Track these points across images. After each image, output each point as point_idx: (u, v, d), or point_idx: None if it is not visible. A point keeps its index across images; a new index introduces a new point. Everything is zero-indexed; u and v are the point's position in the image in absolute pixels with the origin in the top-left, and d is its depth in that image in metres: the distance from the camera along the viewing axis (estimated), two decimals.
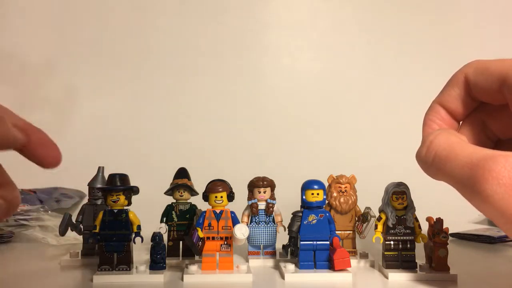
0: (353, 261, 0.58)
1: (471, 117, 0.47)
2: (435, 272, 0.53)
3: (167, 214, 0.62)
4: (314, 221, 0.56)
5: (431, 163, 0.41)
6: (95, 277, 0.52)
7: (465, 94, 0.46)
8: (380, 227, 0.56)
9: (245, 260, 0.62)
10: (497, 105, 0.45)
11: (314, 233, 0.56)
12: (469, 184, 0.37)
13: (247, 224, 0.61)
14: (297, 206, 0.58)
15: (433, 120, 0.47)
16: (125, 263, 0.54)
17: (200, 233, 0.55)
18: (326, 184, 0.60)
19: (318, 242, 0.56)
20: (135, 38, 1.21)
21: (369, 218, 0.60)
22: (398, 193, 0.55)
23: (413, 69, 1.21)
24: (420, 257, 0.56)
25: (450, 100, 0.46)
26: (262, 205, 0.62)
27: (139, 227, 0.55)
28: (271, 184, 0.62)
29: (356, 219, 0.62)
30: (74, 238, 0.69)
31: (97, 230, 0.54)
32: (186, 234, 0.60)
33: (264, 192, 0.62)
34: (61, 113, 1.16)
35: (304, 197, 0.56)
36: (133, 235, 0.55)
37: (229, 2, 1.24)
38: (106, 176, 0.56)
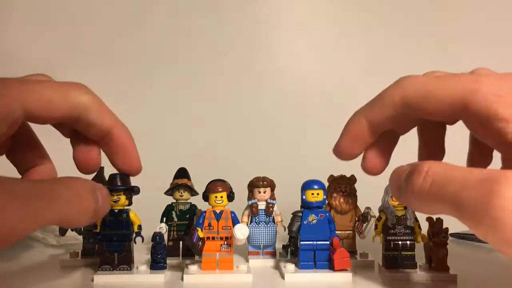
0: (353, 261, 0.58)
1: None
2: (435, 272, 0.53)
3: (167, 214, 0.62)
4: (314, 221, 0.56)
5: (428, 190, 0.38)
6: (96, 276, 0.52)
7: (402, 115, 0.45)
8: (380, 227, 0.56)
9: (245, 260, 0.62)
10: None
11: (314, 233, 0.56)
12: (478, 206, 0.34)
13: (247, 224, 0.61)
14: (297, 206, 0.58)
15: (357, 134, 0.49)
16: (125, 263, 0.54)
17: (200, 233, 0.55)
18: (326, 184, 0.60)
19: (318, 242, 0.56)
20: (134, 38, 1.21)
21: (369, 218, 0.60)
22: None
23: (413, 69, 1.21)
24: (420, 257, 0.56)
25: (380, 119, 0.47)
26: (262, 205, 0.62)
27: (139, 227, 0.55)
28: (271, 184, 0.62)
29: (356, 219, 0.62)
30: (74, 238, 0.69)
31: (97, 230, 0.54)
32: (186, 234, 0.60)
33: (264, 192, 0.62)
34: None
35: (304, 197, 0.56)
36: (134, 235, 0.55)
37: (230, 2, 1.24)
38: (106, 176, 0.56)
